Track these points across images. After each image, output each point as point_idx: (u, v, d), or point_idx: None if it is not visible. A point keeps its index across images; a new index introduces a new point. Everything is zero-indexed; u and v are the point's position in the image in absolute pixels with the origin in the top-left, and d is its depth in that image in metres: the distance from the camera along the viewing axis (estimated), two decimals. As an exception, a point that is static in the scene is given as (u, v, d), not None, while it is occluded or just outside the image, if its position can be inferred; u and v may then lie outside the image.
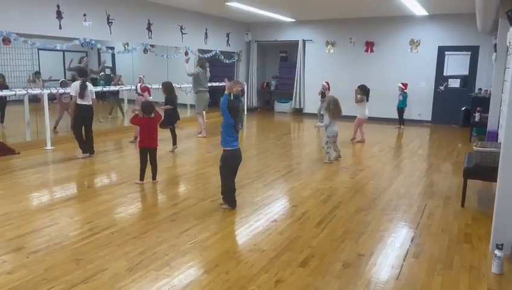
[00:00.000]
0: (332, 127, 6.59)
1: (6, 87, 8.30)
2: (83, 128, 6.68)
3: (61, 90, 8.15)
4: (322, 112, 11.39)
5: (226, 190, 4.48)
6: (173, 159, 6.83)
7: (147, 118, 5.27)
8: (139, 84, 7.99)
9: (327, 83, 10.86)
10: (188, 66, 9.13)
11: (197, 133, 8.96)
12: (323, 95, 11.21)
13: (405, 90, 10.48)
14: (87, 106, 6.59)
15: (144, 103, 5.57)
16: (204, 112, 9.21)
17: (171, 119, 7.18)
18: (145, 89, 7.80)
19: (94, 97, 6.76)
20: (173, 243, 3.56)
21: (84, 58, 10.32)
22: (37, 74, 9.98)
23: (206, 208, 4.49)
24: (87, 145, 6.77)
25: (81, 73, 6.73)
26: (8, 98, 8.36)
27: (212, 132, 9.01)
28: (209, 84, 9.39)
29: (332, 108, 6.54)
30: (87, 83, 6.60)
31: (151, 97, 7.84)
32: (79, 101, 6.50)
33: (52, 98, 8.38)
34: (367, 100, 8.65)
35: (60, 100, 8.89)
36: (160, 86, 7.53)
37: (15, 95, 7.35)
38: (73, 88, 6.51)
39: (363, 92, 8.58)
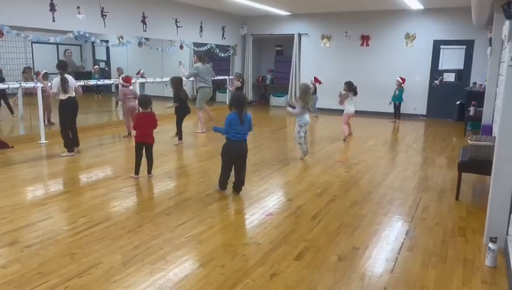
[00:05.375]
0: (303, 116, 6.32)
1: (3, 80, 8.23)
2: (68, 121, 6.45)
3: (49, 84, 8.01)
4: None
5: (220, 174, 4.67)
6: (169, 154, 6.81)
7: (143, 113, 5.25)
8: (122, 76, 7.95)
9: (314, 78, 11.03)
10: (184, 70, 9.08)
11: (196, 131, 8.74)
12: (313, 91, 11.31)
13: (402, 85, 10.50)
14: (70, 99, 6.33)
15: (141, 96, 5.55)
16: (206, 106, 9.03)
17: (181, 114, 7.33)
18: (128, 80, 7.73)
19: (79, 89, 6.55)
20: (168, 237, 3.56)
21: (67, 52, 10.21)
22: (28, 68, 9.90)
23: (201, 201, 4.48)
24: (74, 143, 6.58)
25: (60, 66, 6.40)
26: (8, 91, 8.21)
27: (208, 125, 8.97)
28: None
29: (304, 96, 6.29)
30: (66, 76, 6.29)
31: (131, 87, 7.81)
32: (61, 96, 6.27)
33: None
34: (355, 94, 8.35)
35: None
36: (169, 81, 7.60)
37: (8, 88, 7.30)
38: (55, 84, 6.27)
39: (349, 88, 8.36)
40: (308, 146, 6.60)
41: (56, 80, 6.30)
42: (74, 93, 6.42)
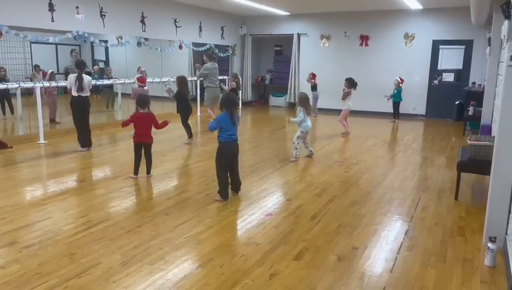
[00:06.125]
0: (306, 123, 6.36)
1: (7, 80, 8.23)
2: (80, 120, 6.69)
3: (54, 84, 8.05)
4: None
5: (219, 182, 4.54)
6: (168, 154, 6.81)
7: (141, 114, 5.24)
8: (136, 76, 7.99)
9: (312, 74, 11.21)
10: (197, 74, 9.12)
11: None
12: (314, 87, 11.39)
13: (400, 85, 10.52)
14: (84, 97, 6.55)
15: (138, 96, 5.54)
16: (214, 105, 9.04)
17: (184, 112, 7.44)
18: (143, 80, 7.78)
19: (90, 88, 6.78)
20: (167, 237, 3.56)
21: (74, 52, 10.22)
22: (36, 66, 9.95)
23: (200, 201, 4.48)
24: (86, 143, 6.84)
25: (79, 65, 6.67)
26: (10, 91, 8.20)
27: (207, 125, 8.98)
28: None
29: (305, 104, 6.40)
30: (83, 75, 6.53)
31: (146, 87, 7.84)
32: (76, 94, 6.48)
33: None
34: (355, 88, 8.57)
35: (50, 92, 8.79)
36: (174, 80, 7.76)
37: (7, 88, 7.29)
38: (69, 81, 6.54)
39: (350, 84, 8.47)
40: (312, 148, 6.69)
41: (71, 77, 6.51)
42: (88, 93, 6.62)
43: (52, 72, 8.73)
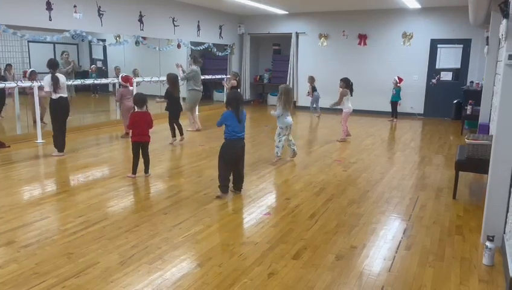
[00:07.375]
0: (284, 118, 6.03)
1: (5, 79, 8.09)
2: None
3: (28, 84, 7.76)
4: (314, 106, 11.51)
5: (219, 177, 4.56)
6: (166, 153, 6.80)
7: (139, 112, 5.23)
8: (120, 75, 7.87)
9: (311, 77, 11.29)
10: (180, 71, 8.82)
11: (187, 129, 8.71)
12: (314, 88, 11.39)
13: (398, 84, 10.51)
14: (65, 98, 6.28)
15: (136, 95, 5.53)
16: (194, 109, 9.01)
17: (172, 112, 7.36)
18: (127, 80, 7.63)
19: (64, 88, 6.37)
20: (166, 237, 3.55)
21: (64, 54, 10.13)
22: (8, 65, 9.81)
23: (199, 201, 4.48)
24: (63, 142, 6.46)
25: (50, 65, 6.21)
26: (8, 91, 8.07)
27: (206, 124, 9.00)
28: (202, 77, 9.13)
29: (284, 98, 6.02)
30: (57, 74, 6.19)
31: (132, 88, 7.73)
32: (53, 96, 6.15)
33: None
34: (351, 94, 8.03)
35: (32, 93, 8.65)
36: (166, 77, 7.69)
37: (5, 87, 7.27)
38: (46, 82, 6.14)
39: (346, 84, 7.95)
40: (295, 147, 6.34)
41: (47, 79, 6.16)
42: (66, 93, 6.35)
43: (32, 71, 8.24)
